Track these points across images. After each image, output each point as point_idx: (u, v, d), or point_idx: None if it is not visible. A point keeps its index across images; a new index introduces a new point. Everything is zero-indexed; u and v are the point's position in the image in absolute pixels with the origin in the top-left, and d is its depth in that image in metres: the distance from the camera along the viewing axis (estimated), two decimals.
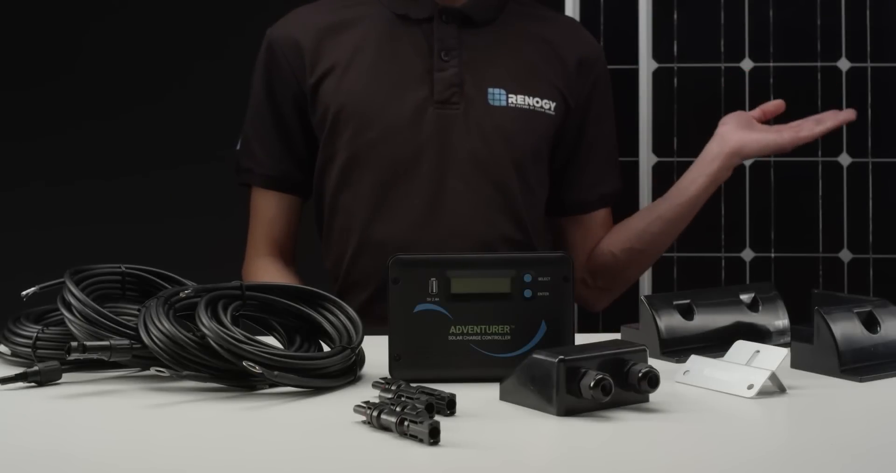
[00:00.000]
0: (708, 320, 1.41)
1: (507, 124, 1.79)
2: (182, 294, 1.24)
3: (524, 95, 1.80)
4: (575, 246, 1.92)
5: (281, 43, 1.83)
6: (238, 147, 1.89)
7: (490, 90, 1.79)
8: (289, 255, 1.89)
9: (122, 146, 2.84)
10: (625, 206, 2.01)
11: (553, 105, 1.82)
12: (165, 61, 2.84)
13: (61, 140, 2.83)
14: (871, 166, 2.13)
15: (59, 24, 2.87)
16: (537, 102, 1.81)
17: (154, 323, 1.19)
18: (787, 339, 1.41)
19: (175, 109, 2.82)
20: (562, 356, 1.11)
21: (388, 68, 1.79)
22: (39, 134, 2.84)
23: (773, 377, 1.20)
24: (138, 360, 1.22)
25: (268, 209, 1.88)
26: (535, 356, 1.14)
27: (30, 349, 1.29)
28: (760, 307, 1.43)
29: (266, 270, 1.84)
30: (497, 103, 1.79)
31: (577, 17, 2.18)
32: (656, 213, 1.87)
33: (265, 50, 1.85)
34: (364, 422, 1.07)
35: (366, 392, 1.19)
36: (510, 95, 1.80)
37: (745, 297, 1.44)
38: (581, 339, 1.26)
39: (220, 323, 1.19)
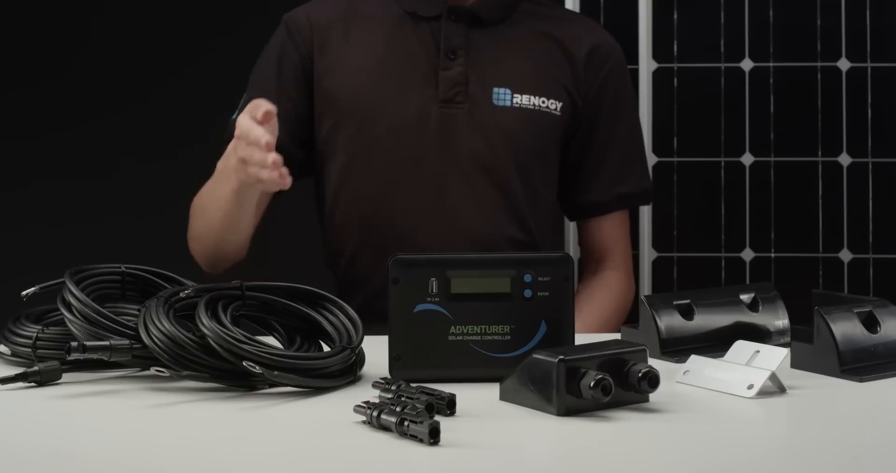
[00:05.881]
0: (708, 320, 1.41)
1: (510, 124, 1.78)
2: (182, 294, 1.24)
3: (530, 94, 1.79)
4: (593, 251, 1.89)
5: (296, 23, 1.82)
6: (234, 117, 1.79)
7: (495, 90, 1.79)
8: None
9: (121, 143, 2.84)
10: None
11: (560, 105, 1.81)
12: (161, 58, 2.83)
13: (61, 139, 2.83)
14: (871, 166, 2.13)
15: (55, 24, 2.86)
16: (543, 102, 1.80)
17: (154, 323, 1.19)
18: (787, 339, 1.41)
19: (172, 105, 2.81)
20: (562, 356, 1.11)
21: (394, 66, 1.79)
22: (39, 133, 2.84)
23: (773, 377, 1.20)
24: (138, 360, 1.22)
25: None
26: (535, 356, 1.14)
27: (30, 349, 1.29)
28: (760, 307, 1.43)
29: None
30: (502, 103, 1.79)
31: None
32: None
33: (281, 28, 1.84)
34: (364, 422, 1.07)
35: (366, 392, 1.19)
36: (515, 95, 1.79)
37: (745, 297, 1.44)
38: (581, 339, 1.26)
39: (220, 323, 1.19)
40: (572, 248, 2.09)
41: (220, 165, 1.71)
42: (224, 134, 1.81)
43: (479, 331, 1.24)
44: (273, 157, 1.38)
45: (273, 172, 1.38)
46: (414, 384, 1.15)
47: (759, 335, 1.41)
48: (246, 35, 2.05)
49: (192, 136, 2.77)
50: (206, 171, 1.75)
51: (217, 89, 2.54)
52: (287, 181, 1.40)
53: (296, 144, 1.81)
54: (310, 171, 1.85)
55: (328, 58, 1.80)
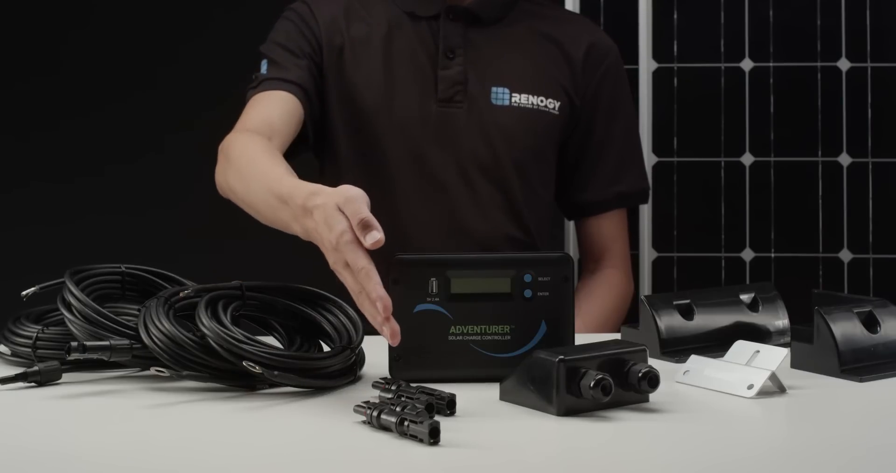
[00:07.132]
0: (708, 320, 1.41)
1: (509, 124, 1.79)
2: (182, 294, 1.24)
3: (528, 94, 1.80)
4: (592, 250, 1.90)
5: (306, 11, 1.81)
6: (264, 71, 1.76)
7: (493, 89, 1.79)
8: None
9: (118, 141, 2.83)
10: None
11: (558, 105, 1.81)
12: (152, 50, 2.82)
13: (58, 137, 2.82)
14: (871, 166, 2.13)
15: (41, 21, 2.86)
16: (541, 101, 1.81)
17: (154, 323, 1.19)
18: (787, 339, 1.41)
19: (167, 99, 2.81)
20: (562, 356, 1.11)
21: (393, 65, 1.79)
22: (35, 132, 2.84)
23: (773, 377, 1.20)
24: (138, 360, 1.22)
25: (276, 106, 1.71)
26: (535, 356, 1.14)
27: (30, 349, 1.29)
28: (760, 307, 1.43)
29: (252, 140, 1.59)
30: (500, 102, 1.79)
31: None
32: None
33: (293, 8, 1.81)
34: (364, 422, 1.07)
35: (366, 392, 1.19)
36: (514, 95, 1.80)
37: (745, 297, 1.44)
38: (581, 339, 1.26)
39: (220, 323, 1.19)
40: (572, 248, 2.09)
41: (288, 192, 1.34)
42: (248, 86, 1.77)
43: (479, 331, 1.24)
44: (393, 328, 1.16)
45: (385, 335, 1.17)
46: (414, 384, 1.15)
47: (759, 335, 1.41)
48: (231, 30, 2.05)
49: (191, 134, 2.78)
50: (207, 168, 1.73)
51: (213, 84, 2.54)
52: (397, 342, 1.17)
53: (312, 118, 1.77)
54: (308, 148, 1.82)
55: (329, 53, 1.80)
